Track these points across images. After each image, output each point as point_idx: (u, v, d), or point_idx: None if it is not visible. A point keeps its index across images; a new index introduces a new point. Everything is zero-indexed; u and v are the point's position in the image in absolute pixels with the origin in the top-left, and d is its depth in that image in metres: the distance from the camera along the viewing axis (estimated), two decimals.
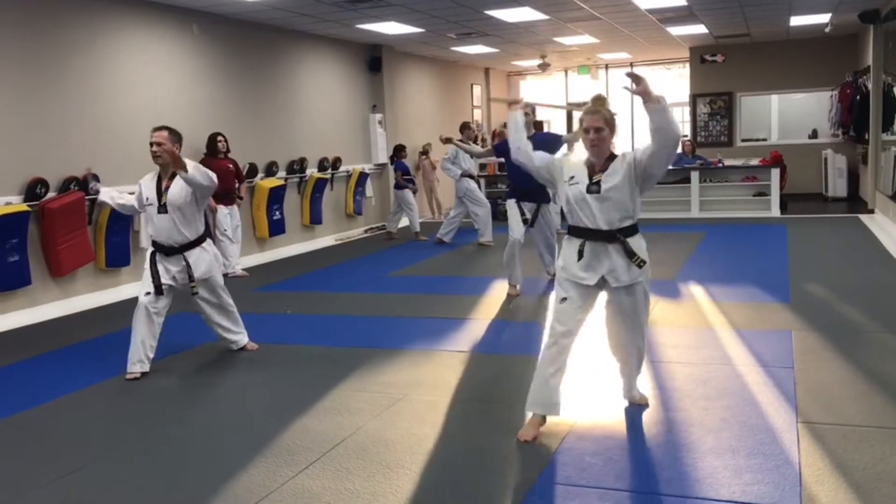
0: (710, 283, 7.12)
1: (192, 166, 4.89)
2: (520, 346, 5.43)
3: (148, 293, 4.93)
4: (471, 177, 10.54)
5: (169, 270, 4.99)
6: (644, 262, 3.71)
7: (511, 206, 6.96)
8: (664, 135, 3.50)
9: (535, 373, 3.77)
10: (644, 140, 16.46)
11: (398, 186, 11.33)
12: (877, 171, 11.32)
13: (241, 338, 5.44)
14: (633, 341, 3.92)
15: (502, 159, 8.13)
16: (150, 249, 5.05)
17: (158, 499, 3.25)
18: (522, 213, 6.88)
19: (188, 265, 4.99)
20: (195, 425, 4.16)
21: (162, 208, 4.92)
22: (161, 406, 4.51)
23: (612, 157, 3.71)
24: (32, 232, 6.88)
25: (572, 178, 3.72)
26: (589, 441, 3.65)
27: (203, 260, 5.06)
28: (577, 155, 4.01)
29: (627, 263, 3.68)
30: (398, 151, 11.64)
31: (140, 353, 4.92)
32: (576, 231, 3.75)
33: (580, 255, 3.70)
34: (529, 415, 3.78)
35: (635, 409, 4.02)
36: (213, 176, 4.95)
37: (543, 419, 3.75)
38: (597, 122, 3.66)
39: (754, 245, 9.47)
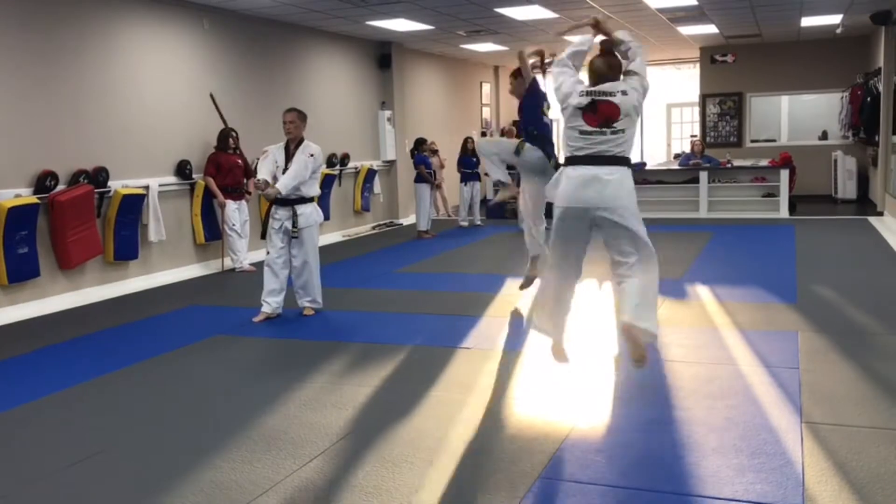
0: (717, 283, 7.12)
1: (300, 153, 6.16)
2: (524, 344, 5.43)
3: (268, 252, 6.24)
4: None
5: (280, 218, 6.18)
6: None
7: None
8: None
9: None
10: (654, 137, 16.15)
11: (418, 180, 11.36)
12: (887, 174, 11.28)
13: (306, 303, 6.43)
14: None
15: None
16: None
17: (163, 490, 3.27)
18: None
19: (295, 214, 6.15)
20: (199, 418, 4.18)
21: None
22: (167, 398, 4.54)
23: None
24: (42, 224, 6.92)
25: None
26: (592, 438, 3.66)
27: (307, 213, 6.23)
28: None
29: None
30: (419, 145, 11.66)
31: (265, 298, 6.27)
32: None
33: None
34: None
35: (639, 407, 4.02)
36: (305, 172, 6.13)
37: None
38: None
39: (762, 246, 9.45)
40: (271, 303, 6.27)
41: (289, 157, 6.15)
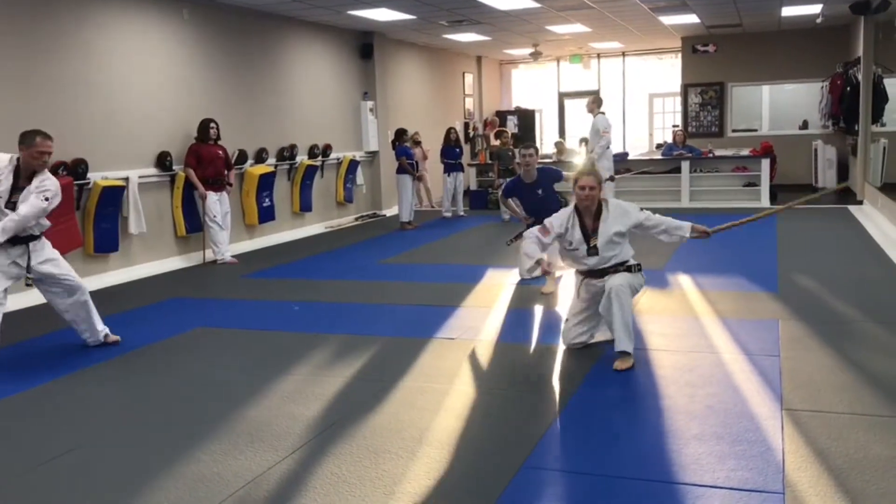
0: (698, 272, 7.15)
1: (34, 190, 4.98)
2: (507, 334, 5.44)
3: None
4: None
5: (11, 255, 5.01)
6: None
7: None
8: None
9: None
10: (636, 137, 16.34)
11: (400, 171, 11.33)
12: (866, 163, 11.38)
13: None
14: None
15: None
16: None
17: (144, 483, 3.25)
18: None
19: (29, 252, 5.08)
20: (181, 411, 4.16)
21: (10, 205, 4.95)
22: (146, 392, 4.51)
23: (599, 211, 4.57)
24: None
25: (570, 244, 4.61)
26: (574, 427, 3.68)
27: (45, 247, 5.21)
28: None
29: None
30: (400, 136, 11.60)
31: None
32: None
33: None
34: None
35: (620, 396, 4.04)
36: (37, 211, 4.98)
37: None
38: (591, 181, 4.52)
39: (743, 235, 9.45)
40: None
41: (16, 186, 4.99)
